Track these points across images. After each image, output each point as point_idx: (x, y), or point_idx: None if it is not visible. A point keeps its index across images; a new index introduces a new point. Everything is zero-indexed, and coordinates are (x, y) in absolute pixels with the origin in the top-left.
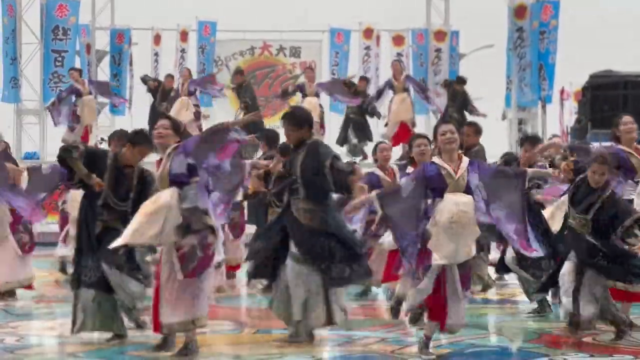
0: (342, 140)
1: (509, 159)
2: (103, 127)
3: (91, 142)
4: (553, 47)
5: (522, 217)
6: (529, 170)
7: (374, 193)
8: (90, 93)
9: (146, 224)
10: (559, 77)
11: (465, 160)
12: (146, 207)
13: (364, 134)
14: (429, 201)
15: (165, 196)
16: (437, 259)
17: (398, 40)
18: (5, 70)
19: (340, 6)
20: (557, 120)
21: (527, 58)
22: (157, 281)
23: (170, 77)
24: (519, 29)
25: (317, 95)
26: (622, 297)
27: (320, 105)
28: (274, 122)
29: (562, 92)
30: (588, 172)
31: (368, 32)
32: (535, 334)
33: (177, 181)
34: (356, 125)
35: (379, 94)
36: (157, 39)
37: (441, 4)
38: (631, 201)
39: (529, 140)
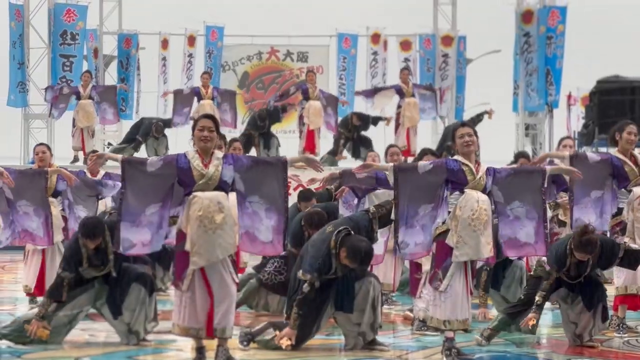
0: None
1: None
2: (110, 131)
3: (88, 148)
4: (560, 52)
5: (543, 214)
6: (549, 167)
7: (390, 163)
8: (90, 97)
9: (228, 234)
10: (566, 82)
11: (484, 165)
12: (214, 217)
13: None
14: (447, 193)
15: (232, 201)
16: (457, 257)
17: (405, 45)
18: (13, 75)
19: (348, 11)
20: (564, 125)
21: (534, 63)
22: (207, 288)
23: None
24: (526, 34)
25: (320, 99)
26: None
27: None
28: (280, 127)
29: (569, 97)
30: (575, 253)
31: (375, 37)
32: (540, 339)
33: (223, 187)
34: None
35: (376, 90)
36: (164, 44)
37: (448, 9)
38: (621, 209)
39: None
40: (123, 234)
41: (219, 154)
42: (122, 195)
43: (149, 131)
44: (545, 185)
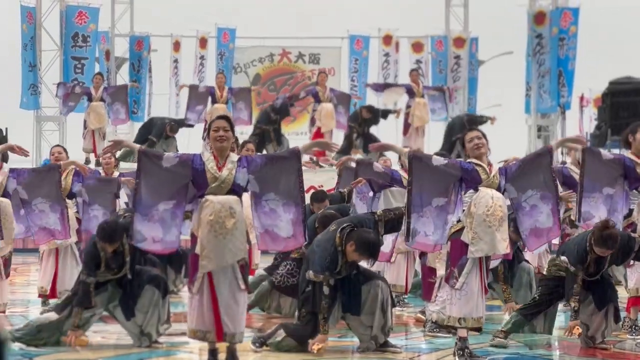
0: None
1: None
2: (122, 133)
3: (99, 149)
4: (572, 53)
5: (555, 192)
6: (554, 143)
7: (406, 148)
8: (101, 99)
9: (239, 239)
10: (578, 84)
11: (495, 166)
12: (225, 222)
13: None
14: (462, 192)
15: (245, 202)
16: (473, 253)
17: (417, 46)
18: (25, 77)
19: (359, 12)
20: (576, 126)
21: (547, 64)
22: (212, 292)
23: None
24: (539, 35)
25: (331, 100)
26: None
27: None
28: (292, 129)
29: (581, 98)
30: (595, 249)
31: (387, 39)
32: (556, 342)
33: (236, 190)
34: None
35: (387, 85)
36: (176, 46)
37: (460, 10)
38: (632, 211)
39: None
40: (136, 226)
41: (233, 157)
42: (137, 186)
43: (162, 131)
44: (554, 163)
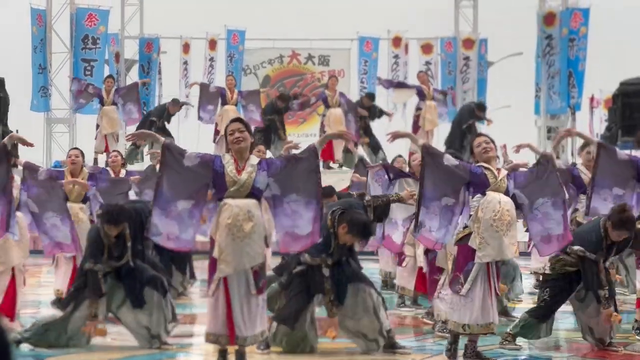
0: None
1: None
2: None
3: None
4: (582, 54)
5: (563, 195)
6: (551, 148)
7: (422, 140)
8: (113, 103)
9: (257, 243)
10: (589, 85)
11: (504, 170)
12: (243, 226)
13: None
14: (469, 196)
15: (265, 208)
16: (480, 258)
17: (426, 48)
18: (35, 80)
19: (369, 14)
20: (586, 127)
21: (556, 65)
22: (226, 296)
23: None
24: (548, 36)
25: (340, 105)
26: None
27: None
28: (302, 131)
29: (591, 99)
30: (612, 234)
31: (397, 41)
32: (565, 344)
33: (255, 194)
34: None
35: (399, 84)
36: (186, 48)
37: (470, 12)
38: None
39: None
40: (154, 219)
41: (254, 160)
42: (159, 179)
43: (163, 111)
44: (556, 166)
